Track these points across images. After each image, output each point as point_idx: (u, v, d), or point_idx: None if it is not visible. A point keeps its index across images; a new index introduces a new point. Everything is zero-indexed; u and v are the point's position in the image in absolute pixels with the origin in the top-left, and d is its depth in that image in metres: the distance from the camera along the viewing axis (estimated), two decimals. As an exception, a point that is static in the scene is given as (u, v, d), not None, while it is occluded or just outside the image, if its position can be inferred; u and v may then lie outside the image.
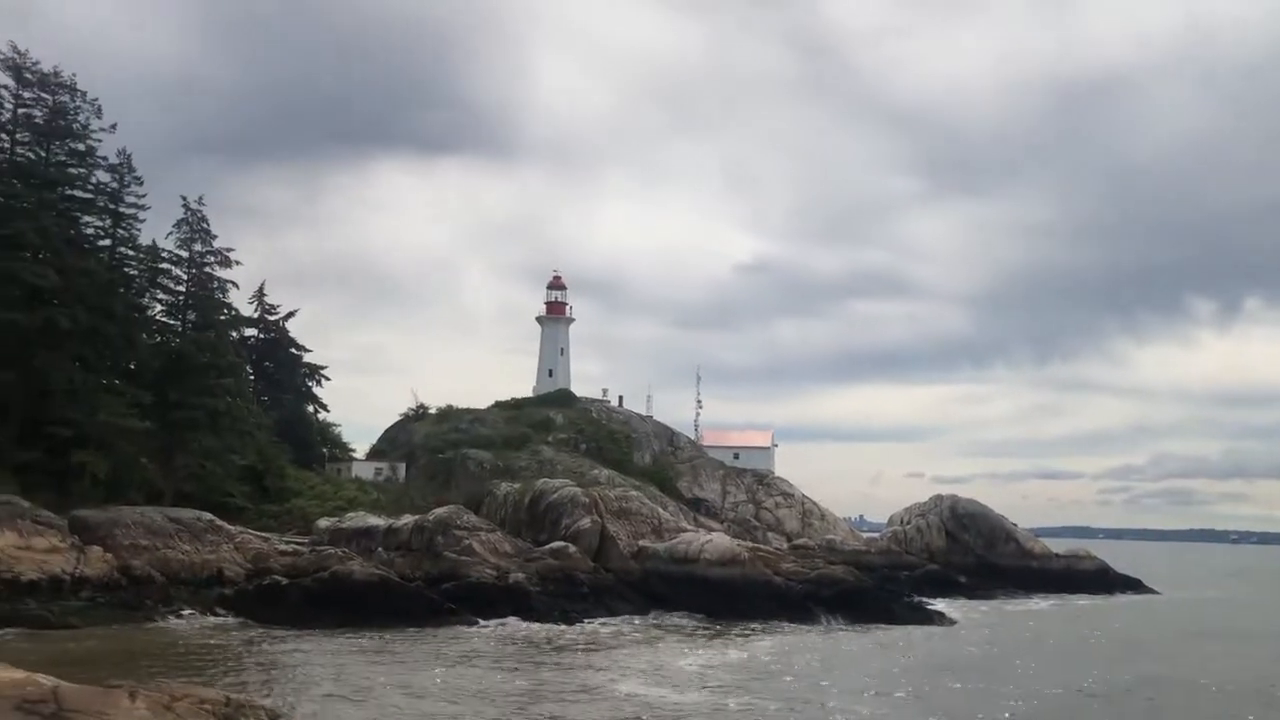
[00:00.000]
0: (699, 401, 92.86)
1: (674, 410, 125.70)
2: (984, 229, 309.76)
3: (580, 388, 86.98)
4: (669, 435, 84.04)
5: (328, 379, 78.84)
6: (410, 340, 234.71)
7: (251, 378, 70.11)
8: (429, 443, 75.33)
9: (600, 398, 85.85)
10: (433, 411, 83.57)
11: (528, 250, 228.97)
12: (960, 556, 72.73)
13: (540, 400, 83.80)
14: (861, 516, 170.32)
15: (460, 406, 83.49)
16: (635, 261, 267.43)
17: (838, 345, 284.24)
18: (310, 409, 78.08)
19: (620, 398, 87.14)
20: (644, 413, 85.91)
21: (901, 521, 76.62)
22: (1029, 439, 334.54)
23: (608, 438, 77.94)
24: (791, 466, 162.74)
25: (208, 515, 48.04)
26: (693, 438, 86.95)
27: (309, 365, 78.42)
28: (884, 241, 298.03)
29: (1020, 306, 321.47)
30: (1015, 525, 77.13)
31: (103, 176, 54.42)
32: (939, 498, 77.83)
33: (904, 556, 70.05)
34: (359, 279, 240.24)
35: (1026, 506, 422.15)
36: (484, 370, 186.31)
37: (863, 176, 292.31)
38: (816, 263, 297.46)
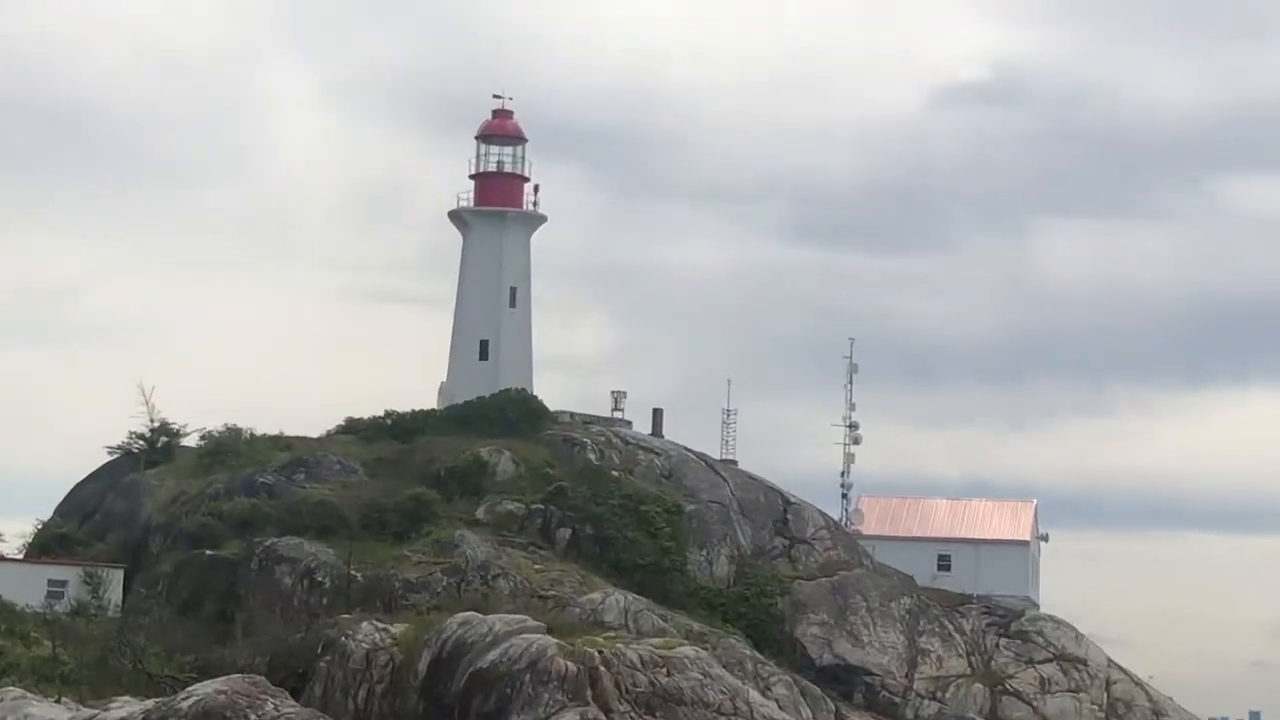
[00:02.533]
0: (851, 427, 66.24)
1: (786, 448, 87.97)
2: None
3: (555, 388, 66.77)
4: (779, 508, 60.80)
5: (-65, 353, 60.62)
6: (139, 263, 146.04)
7: None
8: (181, 520, 54.79)
9: (606, 415, 63.56)
10: (190, 442, 61.09)
11: (431, 47, 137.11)
12: None
13: (459, 418, 60.14)
14: (1259, 716, 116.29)
15: (260, 433, 60.93)
16: (690, 78, 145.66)
17: (1192, 286, 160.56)
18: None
19: (657, 413, 64.24)
20: (715, 453, 63.69)
21: (1370, 743, 54.88)
22: None
23: (625, 513, 55.89)
24: (1083, 587, 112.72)
25: None
26: (836, 515, 64.16)
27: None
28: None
29: None
30: None
31: None
32: None
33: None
34: (24, 112, 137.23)
35: None
36: (319, 342, 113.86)
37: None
38: (1142, 82, 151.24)
